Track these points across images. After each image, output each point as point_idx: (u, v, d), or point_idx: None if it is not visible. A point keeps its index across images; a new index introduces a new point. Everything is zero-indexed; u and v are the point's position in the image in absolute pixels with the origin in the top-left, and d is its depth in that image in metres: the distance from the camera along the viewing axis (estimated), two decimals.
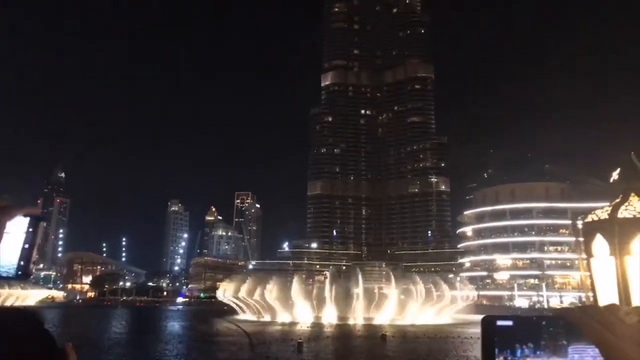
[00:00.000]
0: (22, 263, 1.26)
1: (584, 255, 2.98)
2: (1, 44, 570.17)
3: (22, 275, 1.24)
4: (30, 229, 1.30)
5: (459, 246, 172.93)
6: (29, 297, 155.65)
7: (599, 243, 2.80)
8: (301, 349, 42.43)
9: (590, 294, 3.03)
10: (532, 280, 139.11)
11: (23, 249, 1.26)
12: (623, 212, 2.79)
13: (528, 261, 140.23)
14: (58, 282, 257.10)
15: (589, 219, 2.95)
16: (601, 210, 2.93)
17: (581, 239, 3.00)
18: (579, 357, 1.23)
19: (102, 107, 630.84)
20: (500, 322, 1.28)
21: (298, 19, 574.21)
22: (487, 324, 1.30)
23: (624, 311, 1.23)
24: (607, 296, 2.77)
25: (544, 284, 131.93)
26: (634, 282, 2.71)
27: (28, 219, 1.29)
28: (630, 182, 3.01)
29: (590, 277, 2.93)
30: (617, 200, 2.91)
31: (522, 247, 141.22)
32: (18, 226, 1.23)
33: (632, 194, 2.89)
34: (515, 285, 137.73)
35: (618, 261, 2.73)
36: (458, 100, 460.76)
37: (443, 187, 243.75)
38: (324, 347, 47.08)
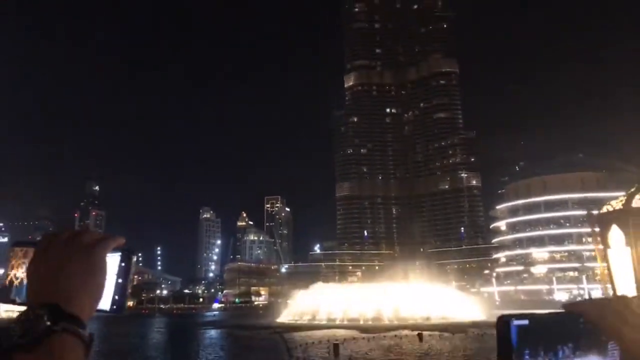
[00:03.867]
0: (116, 297, 1.25)
1: (600, 247, 2.98)
2: (33, 56, 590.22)
3: (117, 310, 1.24)
4: (123, 263, 1.27)
5: (493, 241, 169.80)
6: None
7: (615, 233, 2.79)
8: (337, 350, 42.22)
9: (609, 285, 2.94)
10: (571, 273, 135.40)
11: (117, 283, 1.25)
12: (638, 202, 2.77)
13: (566, 254, 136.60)
14: None
15: (604, 209, 2.94)
16: (616, 201, 2.93)
17: (597, 229, 3.02)
18: (620, 353, 1.18)
19: (132, 119, 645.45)
20: (516, 322, 1.21)
21: (319, 21, 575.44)
22: (503, 325, 1.23)
23: (636, 302, 1.18)
24: (625, 286, 2.76)
25: (584, 277, 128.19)
26: None
27: (119, 253, 1.26)
28: None
29: (608, 268, 2.93)
30: (632, 189, 2.90)
31: (559, 240, 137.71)
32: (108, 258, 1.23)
33: None
34: (554, 278, 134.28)
35: (634, 251, 2.71)
36: (485, 94, 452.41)
37: (474, 182, 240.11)
38: (361, 347, 46.75)
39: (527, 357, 1.17)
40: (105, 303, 1.21)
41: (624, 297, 1.18)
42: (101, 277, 1.15)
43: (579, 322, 1.17)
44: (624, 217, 2.35)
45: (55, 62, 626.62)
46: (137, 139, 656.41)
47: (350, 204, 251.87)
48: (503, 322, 1.24)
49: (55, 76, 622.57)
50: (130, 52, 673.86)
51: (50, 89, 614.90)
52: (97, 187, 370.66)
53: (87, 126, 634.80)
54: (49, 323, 0.92)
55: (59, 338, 0.93)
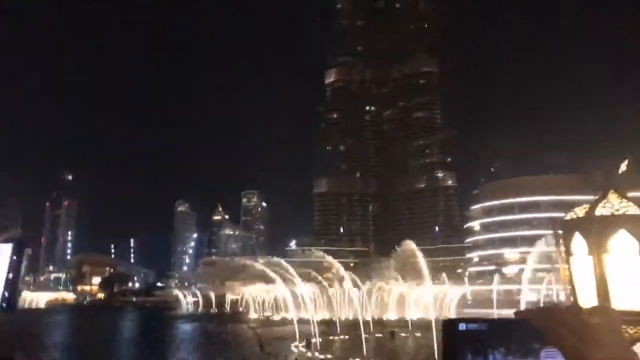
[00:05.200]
0: (6, 294, 1.14)
1: (564, 255, 2.95)
2: (4, 46, 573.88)
3: (7, 308, 1.13)
4: (15, 257, 1.17)
5: (466, 241, 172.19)
6: (39, 299, 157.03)
7: (578, 241, 2.76)
8: (310, 346, 42.36)
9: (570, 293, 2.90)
10: (541, 274, 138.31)
11: (7, 278, 1.14)
12: (601, 210, 2.73)
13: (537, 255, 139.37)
14: (68, 283, 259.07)
15: (569, 217, 2.91)
16: (580, 208, 2.88)
17: (561, 240, 2.97)
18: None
19: (107, 109, 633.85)
20: (463, 326, 1.23)
21: (301, 16, 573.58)
22: (448, 328, 1.25)
23: (586, 312, 1.20)
24: (587, 295, 2.75)
25: (553, 278, 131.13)
26: (612, 281, 2.66)
27: (11, 245, 1.18)
28: (610, 179, 2.96)
29: (570, 276, 2.90)
30: (597, 197, 2.87)
31: (531, 241, 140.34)
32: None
33: (611, 191, 2.84)
34: (525, 279, 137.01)
35: (596, 260, 2.68)
36: (464, 94, 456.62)
37: (450, 182, 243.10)
38: (333, 344, 46.98)
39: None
40: None
41: (573, 306, 1.25)
42: None
43: (513, 328, 1.21)
44: (586, 225, 2.33)
45: (29, 48, 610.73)
46: (112, 129, 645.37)
47: (327, 201, 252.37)
48: (448, 326, 1.28)
49: (28, 62, 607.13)
50: (103, 35, 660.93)
51: (24, 76, 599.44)
52: (70, 177, 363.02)
53: (61, 115, 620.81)
54: None
55: None
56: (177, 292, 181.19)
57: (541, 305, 1.27)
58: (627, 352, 1.17)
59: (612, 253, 2.65)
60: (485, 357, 1.19)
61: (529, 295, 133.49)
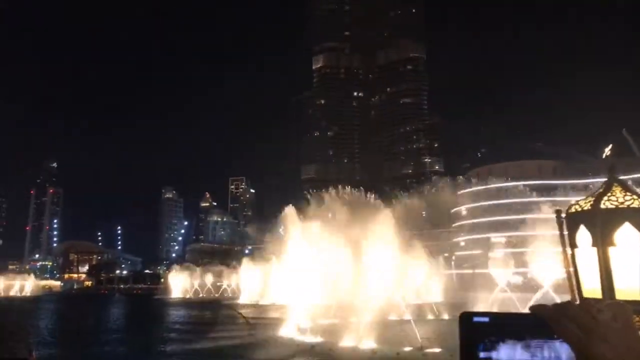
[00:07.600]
0: None
1: (568, 249, 3.05)
2: None
3: None
4: None
5: (453, 225, 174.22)
6: (25, 287, 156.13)
7: (583, 234, 2.78)
8: (301, 330, 43.04)
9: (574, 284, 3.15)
10: (525, 257, 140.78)
11: None
12: (606, 203, 2.75)
13: (521, 239, 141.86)
14: (54, 272, 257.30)
15: (573, 209, 2.91)
16: (584, 201, 2.89)
17: (565, 232, 2.97)
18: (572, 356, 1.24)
19: (93, 96, 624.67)
20: (479, 319, 1.30)
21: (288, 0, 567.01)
22: (465, 320, 1.31)
23: (597, 308, 1.21)
24: (591, 287, 2.77)
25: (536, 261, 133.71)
26: (617, 273, 2.70)
27: None
28: (613, 172, 3.04)
29: (575, 268, 2.95)
30: (600, 190, 2.89)
31: (514, 225, 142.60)
32: None
33: (615, 185, 2.86)
34: (510, 262, 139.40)
35: (601, 252, 2.71)
36: (451, 80, 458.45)
37: (437, 167, 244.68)
38: (325, 328, 47.64)
39: (480, 351, 1.28)
40: None
41: (586, 302, 1.25)
42: None
43: (525, 322, 1.26)
44: (591, 217, 2.58)
45: (12, 36, 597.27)
46: (99, 116, 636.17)
47: (315, 187, 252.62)
48: (465, 318, 1.34)
49: (5, 48, 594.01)
50: (93, 27, 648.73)
51: (6, 64, 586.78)
52: (55, 164, 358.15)
53: (45, 101, 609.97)
54: None
55: None
56: (165, 279, 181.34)
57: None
58: (636, 346, 1.19)
59: (617, 245, 2.73)
60: (498, 348, 1.26)
61: (513, 279, 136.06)
